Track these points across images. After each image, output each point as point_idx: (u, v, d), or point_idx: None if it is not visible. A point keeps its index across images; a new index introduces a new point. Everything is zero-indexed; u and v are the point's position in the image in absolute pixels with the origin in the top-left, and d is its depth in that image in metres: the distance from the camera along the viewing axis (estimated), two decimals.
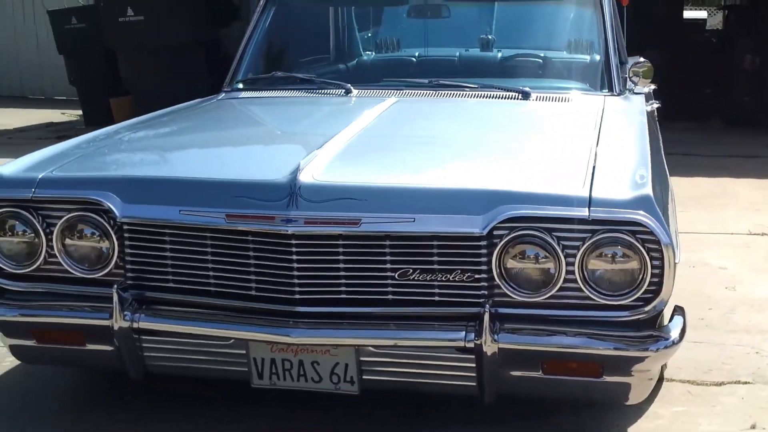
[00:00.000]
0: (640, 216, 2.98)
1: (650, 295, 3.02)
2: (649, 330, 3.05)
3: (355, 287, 3.16)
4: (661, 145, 4.45)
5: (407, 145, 3.78)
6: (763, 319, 4.47)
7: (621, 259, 3.03)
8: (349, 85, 4.54)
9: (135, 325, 3.23)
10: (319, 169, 3.22)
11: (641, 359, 3.02)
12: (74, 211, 3.28)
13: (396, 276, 3.12)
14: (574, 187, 3.08)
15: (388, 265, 3.13)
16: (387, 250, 3.11)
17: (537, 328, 3.07)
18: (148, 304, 3.30)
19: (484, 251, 3.07)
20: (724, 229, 6.17)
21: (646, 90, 4.97)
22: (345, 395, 3.23)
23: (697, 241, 5.72)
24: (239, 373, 3.27)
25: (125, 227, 3.25)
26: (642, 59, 4.89)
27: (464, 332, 3.06)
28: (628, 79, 4.79)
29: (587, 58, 4.91)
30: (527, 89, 4.40)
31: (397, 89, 4.52)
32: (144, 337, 3.27)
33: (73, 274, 3.32)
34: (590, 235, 3.02)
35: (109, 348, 3.30)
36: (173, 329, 3.27)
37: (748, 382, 3.79)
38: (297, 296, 3.16)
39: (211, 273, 3.24)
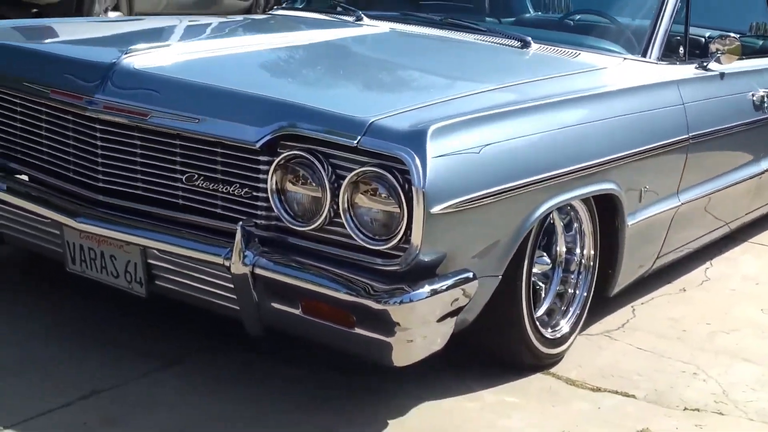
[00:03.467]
0: (402, 152, 2.56)
1: (406, 245, 2.60)
2: (400, 284, 2.62)
3: (149, 185, 3.03)
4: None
5: (278, 64, 3.54)
6: (753, 345, 3.67)
7: (382, 198, 2.64)
8: (361, 12, 4.29)
9: None
10: (148, 59, 3.11)
11: (381, 313, 2.59)
12: None
13: (184, 180, 2.95)
14: (362, 114, 2.71)
15: (178, 167, 2.96)
16: (177, 150, 2.94)
17: (294, 260, 2.75)
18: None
19: (263, 167, 2.80)
20: None
21: (728, 68, 4.26)
22: None
23: None
24: (58, 254, 3.25)
25: None
26: (732, 34, 4.18)
27: (227, 250, 2.82)
28: (711, 54, 4.14)
29: (630, 19, 4.26)
30: (528, 38, 3.91)
31: (406, 23, 4.22)
32: None
33: None
34: (358, 166, 2.65)
35: None
36: (10, 200, 3.31)
37: (635, 397, 3.14)
38: (100, 184, 3.09)
39: (44, 149, 3.26)
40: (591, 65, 3.80)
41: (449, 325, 2.77)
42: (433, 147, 2.58)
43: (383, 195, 2.62)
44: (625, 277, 3.76)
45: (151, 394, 2.90)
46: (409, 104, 2.83)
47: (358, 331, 2.68)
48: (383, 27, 4.12)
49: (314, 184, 2.72)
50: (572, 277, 3.46)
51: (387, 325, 2.62)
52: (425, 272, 2.64)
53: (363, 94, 3.20)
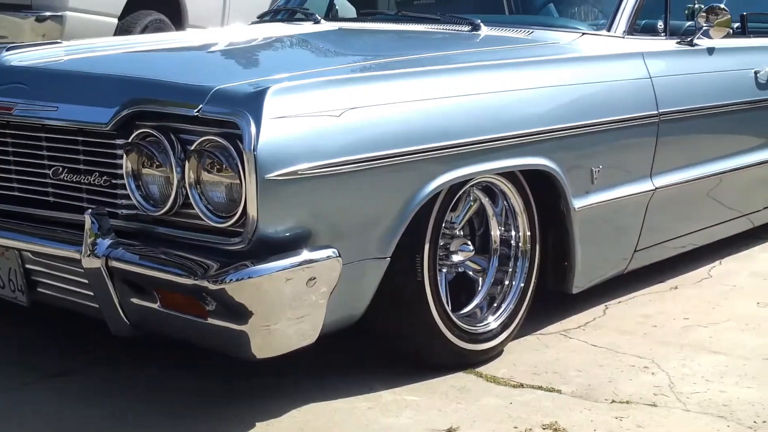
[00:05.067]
0: (235, 115, 2.31)
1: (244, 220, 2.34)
2: (241, 261, 2.34)
3: (24, 185, 2.86)
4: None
5: (159, 53, 3.36)
6: (728, 338, 3.23)
7: (223, 170, 2.38)
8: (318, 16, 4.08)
9: None
10: (29, 55, 2.98)
11: (219, 293, 2.29)
12: None
13: (51, 174, 2.76)
14: (207, 83, 2.48)
15: (46, 162, 2.78)
16: (43, 144, 2.77)
17: (147, 249, 2.51)
18: None
19: (119, 152, 2.60)
20: None
21: (723, 43, 3.90)
22: None
23: None
24: None
25: None
26: (722, 5, 3.81)
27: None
28: (697, 28, 3.79)
29: None
30: (478, 21, 3.62)
31: (364, 21, 4.02)
32: None
33: None
34: (199, 138, 2.42)
35: None
36: None
37: (560, 392, 2.76)
38: None
39: None
40: (540, 40, 3.49)
41: (317, 312, 2.46)
42: (272, 108, 2.32)
43: (224, 166, 2.37)
44: (590, 272, 3.39)
45: (28, 404, 2.69)
46: (268, 75, 2.59)
47: (212, 321, 2.41)
48: (333, 26, 3.89)
49: (163, 164, 2.49)
50: (509, 266, 3.11)
51: (238, 312, 2.35)
52: (276, 250, 2.36)
53: (223, 70, 2.99)
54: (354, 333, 2.74)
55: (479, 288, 3.08)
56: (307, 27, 3.88)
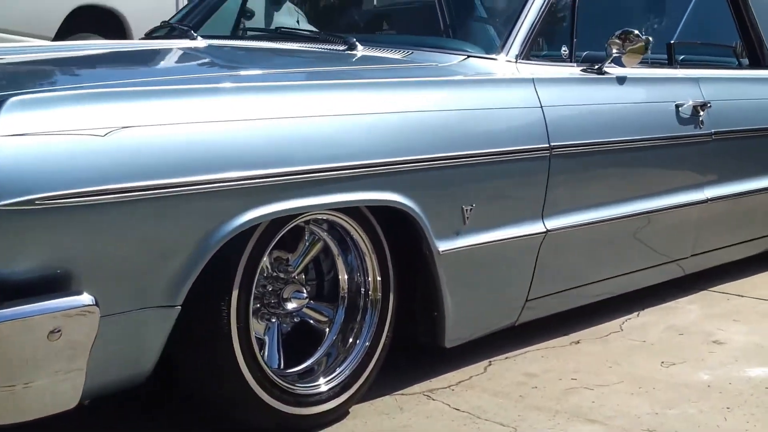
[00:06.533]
0: None
1: None
2: None
3: None
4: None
5: None
6: (612, 403, 2.78)
7: None
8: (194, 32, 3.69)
9: None
10: None
11: None
12: None
13: None
14: None
15: None
16: None
17: None
18: None
19: None
20: None
21: (641, 73, 3.62)
22: None
23: None
24: None
25: None
26: (636, 31, 3.43)
27: None
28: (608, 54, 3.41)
29: (496, 18, 3.58)
30: (353, 40, 3.24)
31: (243, 39, 3.66)
32: None
33: None
34: None
35: None
36: None
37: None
38: None
39: None
40: (417, 61, 3.12)
41: (75, 370, 2.05)
42: (7, 123, 1.93)
43: None
44: (468, 323, 3.00)
45: None
46: (34, 87, 2.21)
47: None
48: (201, 43, 3.51)
49: None
50: (356, 319, 2.70)
51: None
52: (11, 294, 1.95)
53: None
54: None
55: (323, 342, 2.68)
56: (173, 43, 3.51)
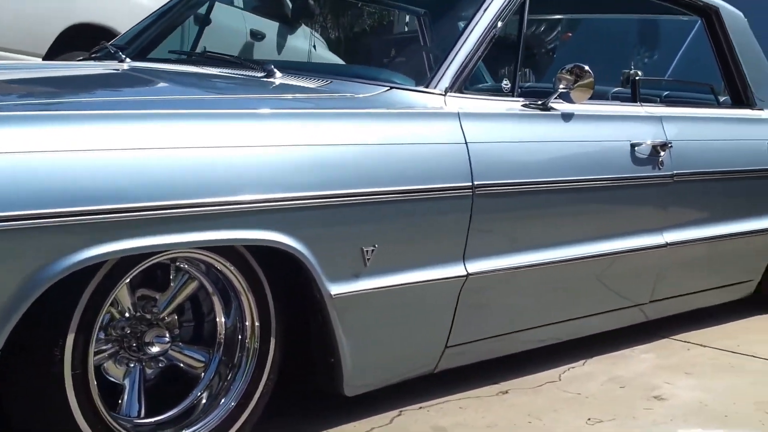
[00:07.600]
0: None
1: None
2: None
3: None
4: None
5: None
6: None
7: None
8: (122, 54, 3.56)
9: None
10: None
11: None
12: None
13: None
14: None
15: None
16: None
17: None
18: None
19: None
20: None
21: (593, 109, 3.47)
22: None
23: None
24: None
25: None
26: (586, 66, 3.25)
27: None
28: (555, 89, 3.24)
29: (431, 50, 3.42)
30: (271, 67, 3.09)
31: (170, 63, 3.50)
32: None
33: None
34: None
35: None
36: None
37: None
38: None
39: None
40: (334, 91, 2.96)
41: None
42: None
43: None
44: (372, 370, 2.82)
45: None
46: None
47: None
48: (122, 66, 3.37)
49: None
50: (228, 369, 2.53)
51: None
52: None
53: None
54: None
55: (193, 390, 2.51)
56: (91, 65, 3.40)
